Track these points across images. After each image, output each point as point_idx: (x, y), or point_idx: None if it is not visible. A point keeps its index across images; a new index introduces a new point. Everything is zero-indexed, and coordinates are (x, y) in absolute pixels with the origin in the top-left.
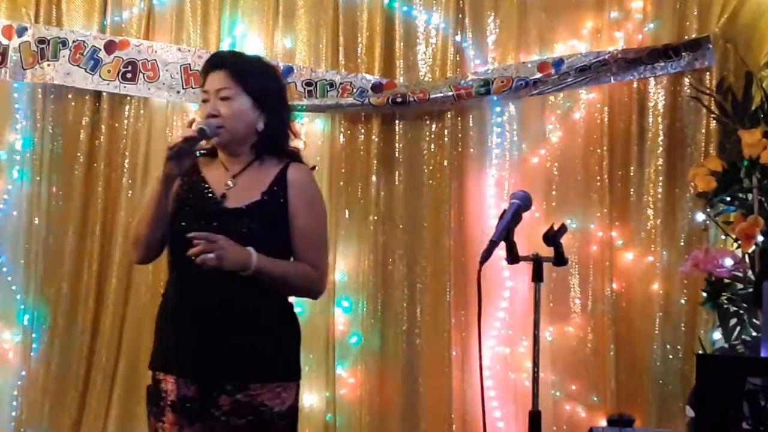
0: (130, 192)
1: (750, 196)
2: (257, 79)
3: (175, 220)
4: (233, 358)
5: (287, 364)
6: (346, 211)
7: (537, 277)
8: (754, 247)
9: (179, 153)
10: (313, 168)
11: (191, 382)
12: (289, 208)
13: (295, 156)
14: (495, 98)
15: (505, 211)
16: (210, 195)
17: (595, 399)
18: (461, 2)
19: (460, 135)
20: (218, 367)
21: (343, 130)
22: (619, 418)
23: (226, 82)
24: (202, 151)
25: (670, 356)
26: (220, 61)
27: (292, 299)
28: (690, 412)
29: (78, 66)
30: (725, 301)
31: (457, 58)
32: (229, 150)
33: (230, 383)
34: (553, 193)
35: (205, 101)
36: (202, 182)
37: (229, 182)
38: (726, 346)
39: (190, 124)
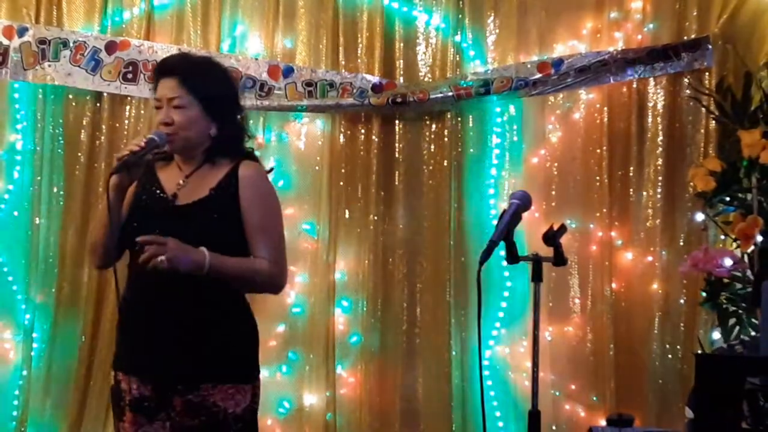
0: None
1: (749, 196)
2: (208, 85)
3: (128, 222)
4: (184, 359)
5: (240, 365)
6: (346, 211)
7: (537, 277)
8: (753, 247)
9: (126, 164)
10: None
11: (146, 382)
12: (241, 203)
13: (248, 156)
14: (495, 98)
15: (504, 211)
16: (161, 195)
17: (595, 399)
18: (461, 3)
19: (460, 135)
20: (170, 367)
21: (343, 130)
22: (618, 418)
23: (177, 91)
24: (154, 155)
25: (670, 356)
26: (170, 68)
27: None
28: (689, 414)
29: (79, 66)
30: (724, 301)
31: (457, 59)
32: (183, 154)
33: (181, 383)
34: (553, 193)
35: (158, 108)
36: (156, 183)
37: (181, 182)
38: (725, 345)
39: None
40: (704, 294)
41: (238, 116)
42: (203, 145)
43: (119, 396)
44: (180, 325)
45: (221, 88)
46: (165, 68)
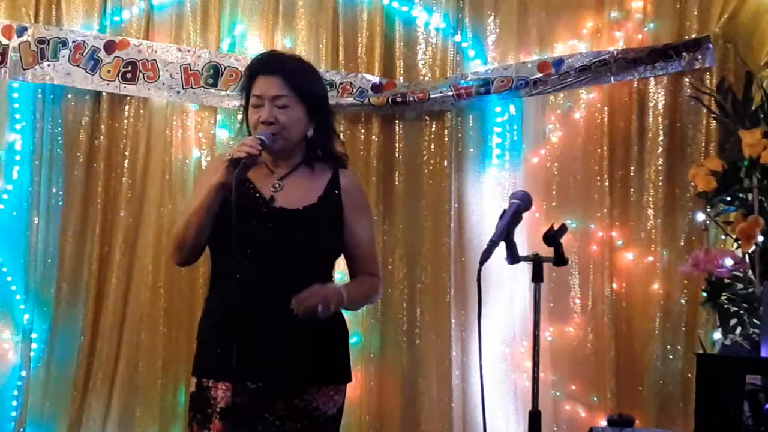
0: (129, 192)
1: (750, 196)
2: (311, 86)
3: (221, 221)
4: (292, 363)
5: (341, 366)
6: None
7: (537, 277)
8: (754, 247)
9: (246, 166)
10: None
11: (243, 388)
12: (345, 214)
13: (342, 161)
14: (495, 98)
15: (505, 211)
16: (257, 196)
17: (595, 399)
18: (461, 2)
19: (460, 135)
20: (278, 372)
21: (343, 130)
22: (619, 419)
23: (283, 90)
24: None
25: (671, 356)
26: (273, 66)
27: None
28: None
29: (78, 66)
30: (725, 301)
31: (457, 58)
32: (279, 155)
33: (289, 388)
34: (553, 193)
35: (257, 106)
36: (247, 183)
37: (276, 184)
38: (727, 344)
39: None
40: (705, 294)
41: (331, 118)
42: (299, 146)
43: (206, 403)
44: (282, 329)
45: (319, 88)
46: (266, 66)
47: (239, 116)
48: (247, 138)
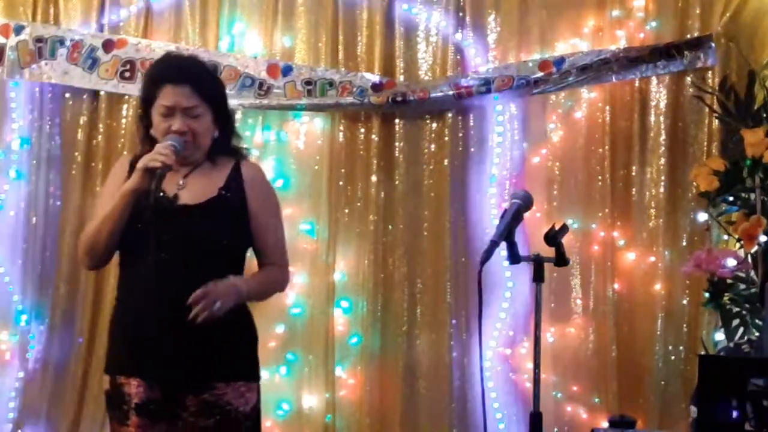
0: None
1: (753, 195)
2: (216, 90)
3: (131, 223)
4: (199, 359)
5: (249, 364)
6: (346, 211)
7: (538, 277)
8: (756, 247)
9: (163, 174)
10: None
11: (156, 383)
12: (249, 204)
13: (243, 154)
14: (496, 97)
15: (505, 211)
16: (162, 195)
17: (597, 400)
18: (462, 1)
19: (460, 134)
20: (185, 367)
21: (342, 129)
22: (620, 420)
23: (193, 99)
24: None
25: (672, 357)
26: (180, 75)
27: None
28: (694, 413)
29: (76, 65)
30: (728, 302)
31: (458, 57)
32: (185, 158)
33: (197, 383)
34: (555, 192)
35: (167, 116)
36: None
37: (180, 182)
38: (729, 346)
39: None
40: (707, 295)
41: (232, 115)
42: (205, 149)
43: (120, 399)
44: (193, 326)
45: (221, 89)
46: (173, 74)
47: (238, 114)
48: (160, 146)
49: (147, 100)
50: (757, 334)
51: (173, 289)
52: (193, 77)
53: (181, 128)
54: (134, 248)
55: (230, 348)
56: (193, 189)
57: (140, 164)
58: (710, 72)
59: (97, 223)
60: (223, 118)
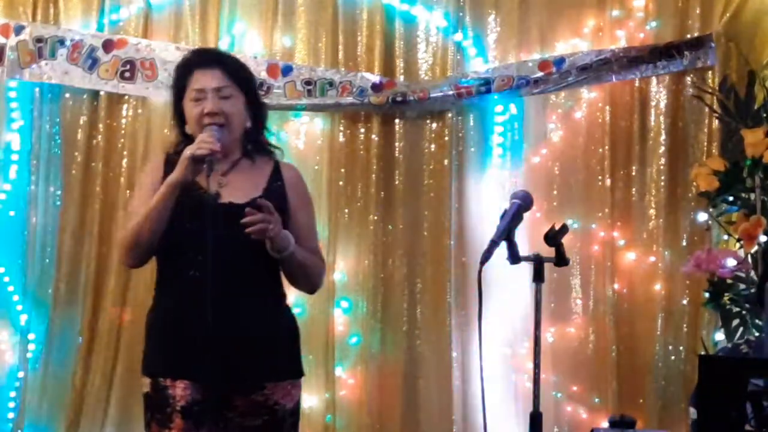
0: (128, 192)
1: (752, 195)
2: (246, 74)
3: (174, 222)
4: (249, 359)
5: (295, 361)
6: (346, 211)
7: (538, 277)
8: (756, 248)
9: (211, 163)
10: None
11: (206, 385)
12: (290, 204)
13: (278, 153)
14: (496, 97)
15: (505, 211)
16: (204, 193)
17: (597, 400)
18: (462, 1)
19: (460, 134)
20: (236, 368)
21: (342, 129)
22: (620, 420)
23: (225, 80)
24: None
25: (672, 357)
26: (210, 59)
27: (290, 301)
28: (693, 414)
29: (76, 65)
30: (728, 302)
31: (458, 57)
32: (221, 151)
33: (246, 384)
34: (555, 192)
35: (198, 100)
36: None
37: (220, 180)
38: (729, 346)
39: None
40: (707, 295)
41: (264, 109)
42: (239, 140)
43: (164, 402)
44: (240, 326)
45: (254, 79)
46: (204, 59)
47: None
48: (203, 134)
49: (179, 93)
50: (757, 334)
51: (218, 289)
52: (222, 60)
53: (212, 108)
54: (177, 247)
55: (277, 346)
56: (234, 187)
57: (185, 154)
58: (710, 72)
59: (139, 219)
60: (255, 107)
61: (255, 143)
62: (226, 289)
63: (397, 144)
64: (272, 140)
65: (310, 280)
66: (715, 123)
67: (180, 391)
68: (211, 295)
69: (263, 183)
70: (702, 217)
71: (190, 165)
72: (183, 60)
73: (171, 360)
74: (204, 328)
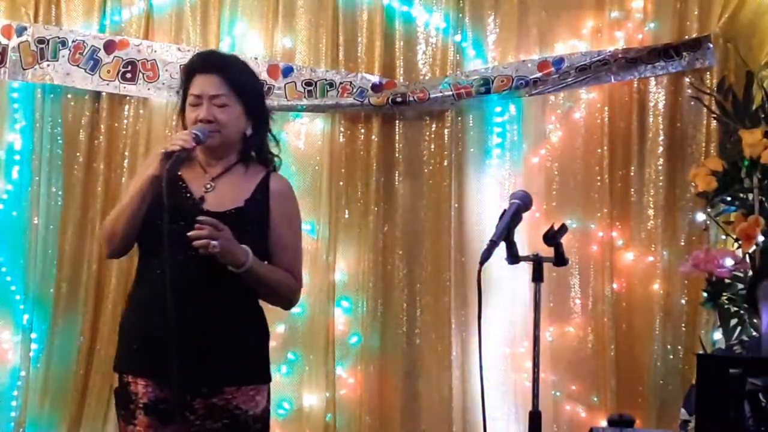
0: None
1: (751, 196)
2: (249, 85)
3: (150, 219)
4: (210, 361)
5: (260, 367)
6: (346, 211)
7: (537, 277)
8: (754, 247)
9: (179, 159)
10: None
11: (163, 384)
12: (271, 217)
13: (275, 165)
14: (495, 98)
15: (505, 211)
16: (188, 195)
17: (596, 399)
18: (461, 2)
19: (460, 135)
20: (194, 370)
21: (343, 130)
22: (619, 419)
23: (222, 88)
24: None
25: (671, 356)
26: (210, 65)
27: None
28: (684, 415)
29: (77, 66)
30: (726, 302)
31: (457, 58)
32: (214, 153)
33: (206, 386)
34: (554, 193)
35: (195, 105)
36: (180, 181)
37: (208, 184)
38: (722, 348)
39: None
40: (705, 294)
41: (269, 118)
42: (235, 145)
43: (128, 398)
44: (202, 327)
45: (258, 87)
46: (204, 65)
47: None
48: (181, 132)
49: (183, 95)
50: (754, 333)
51: (185, 290)
52: (222, 67)
53: (205, 116)
54: (151, 245)
55: (241, 350)
56: (220, 194)
57: (159, 150)
58: (708, 73)
59: (117, 210)
60: (257, 115)
61: (256, 150)
62: (193, 291)
63: (397, 144)
64: (277, 147)
65: (278, 298)
66: (714, 123)
67: (141, 388)
68: (175, 297)
69: (247, 193)
70: (700, 217)
71: (163, 160)
72: (188, 62)
73: (134, 357)
74: (161, 326)
